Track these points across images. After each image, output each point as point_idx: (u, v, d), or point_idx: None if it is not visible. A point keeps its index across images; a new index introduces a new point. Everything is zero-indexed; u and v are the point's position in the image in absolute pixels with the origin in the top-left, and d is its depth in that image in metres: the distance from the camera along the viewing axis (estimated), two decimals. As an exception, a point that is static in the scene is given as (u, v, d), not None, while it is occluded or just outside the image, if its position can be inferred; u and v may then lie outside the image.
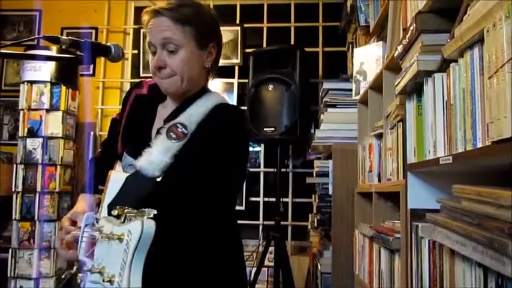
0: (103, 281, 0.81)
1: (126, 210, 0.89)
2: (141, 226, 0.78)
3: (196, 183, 1.17)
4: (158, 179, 1.19)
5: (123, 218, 0.91)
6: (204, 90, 1.34)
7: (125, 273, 0.79)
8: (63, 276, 1.34)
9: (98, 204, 1.37)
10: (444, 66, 1.13)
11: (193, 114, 1.26)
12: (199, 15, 1.27)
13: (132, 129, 1.34)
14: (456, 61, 1.04)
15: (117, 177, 1.21)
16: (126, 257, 0.79)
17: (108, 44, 1.28)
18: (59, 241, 1.24)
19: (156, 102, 1.36)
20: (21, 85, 3.71)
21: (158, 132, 1.26)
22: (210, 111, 1.27)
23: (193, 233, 1.17)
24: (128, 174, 1.21)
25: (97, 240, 0.90)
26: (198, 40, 1.26)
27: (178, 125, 1.23)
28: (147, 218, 0.82)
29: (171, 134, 1.22)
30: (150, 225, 0.79)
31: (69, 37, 1.22)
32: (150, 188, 1.17)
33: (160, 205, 1.02)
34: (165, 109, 1.34)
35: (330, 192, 2.64)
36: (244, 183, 3.58)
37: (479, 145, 0.90)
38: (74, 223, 1.28)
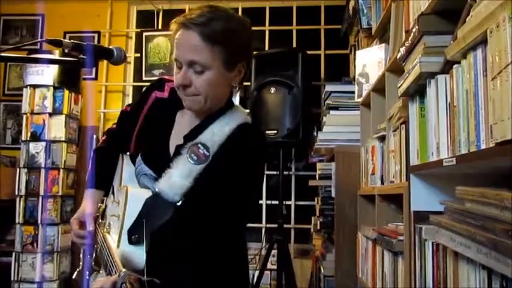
0: None
1: None
2: None
3: (218, 209, 1.17)
4: (178, 203, 1.18)
5: None
6: (227, 106, 1.29)
7: None
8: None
9: (102, 201, 1.38)
10: (447, 67, 1.13)
11: (216, 134, 1.22)
12: (231, 33, 1.18)
13: (149, 133, 1.31)
14: (459, 62, 1.04)
15: (135, 197, 1.19)
16: None
17: (110, 47, 1.28)
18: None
19: (175, 108, 1.30)
20: (24, 89, 3.72)
21: (178, 150, 1.23)
22: (232, 131, 1.23)
23: (215, 252, 1.18)
24: (146, 195, 1.19)
25: None
26: (226, 61, 1.18)
27: (199, 145, 1.20)
28: None
29: (193, 155, 1.19)
30: None
31: (72, 41, 1.22)
32: (171, 212, 1.16)
33: (181, 230, 1.03)
34: (184, 117, 1.30)
35: (333, 194, 2.64)
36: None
37: (483, 147, 0.90)
38: (82, 224, 1.30)
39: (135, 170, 1.28)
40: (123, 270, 1.02)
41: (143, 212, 1.16)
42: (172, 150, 1.26)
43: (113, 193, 1.34)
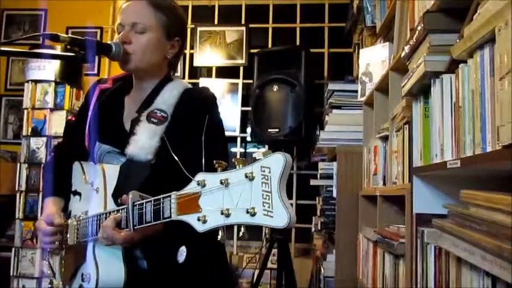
0: (248, 212, 0.80)
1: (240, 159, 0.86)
2: (283, 157, 0.78)
3: (191, 161, 1.14)
4: (152, 161, 1.22)
5: (220, 169, 0.88)
6: (168, 79, 1.36)
7: (274, 198, 0.78)
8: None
9: (66, 207, 1.37)
10: (452, 67, 1.10)
11: (167, 98, 1.29)
12: (173, 8, 1.35)
13: (101, 120, 1.34)
14: (465, 62, 1.01)
15: (111, 169, 1.23)
16: (268, 187, 0.79)
17: (109, 42, 1.27)
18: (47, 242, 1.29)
19: (121, 95, 1.37)
20: (26, 84, 3.72)
21: (135, 120, 1.28)
22: (182, 93, 1.31)
23: None
24: (119, 165, 1.23)
25: (199, 195, 0.89)
26: (166, 29, 1.30)
27: (156, 110, 1.26)
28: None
29: (152, 119, 1.25)
30: (289, 156, 0.80)
31: (69, 35, 1.21)
32: (148, 171, 1.21)
33: (161, 186, 1.02)
34: (132, 99, 1.35)
35: (334, 194, 2.61)
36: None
37: (489, 149, 0.87)
38: (50, 225, 1.29)
39: (97, 153, 1.30)
40: (131, 192, 1.04)
41: (121, 177, 1.21)
42: (127, 126, 1.30)
43: (78, 194, 1.32)
